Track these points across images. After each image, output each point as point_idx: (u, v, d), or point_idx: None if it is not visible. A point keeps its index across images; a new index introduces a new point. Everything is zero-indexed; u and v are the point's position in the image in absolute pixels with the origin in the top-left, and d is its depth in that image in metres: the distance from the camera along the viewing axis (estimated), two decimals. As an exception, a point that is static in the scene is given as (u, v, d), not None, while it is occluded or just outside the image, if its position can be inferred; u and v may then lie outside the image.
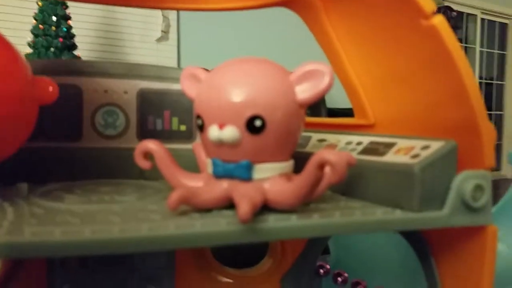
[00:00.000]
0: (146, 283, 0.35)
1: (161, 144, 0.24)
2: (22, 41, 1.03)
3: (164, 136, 0.32)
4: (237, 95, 0.21)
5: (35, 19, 1.02)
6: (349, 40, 0.31)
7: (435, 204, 0.23)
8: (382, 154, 0.26)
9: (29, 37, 1.02)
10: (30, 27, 1.02)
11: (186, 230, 0.19)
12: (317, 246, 0.35)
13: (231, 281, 0.37)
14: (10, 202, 0.22)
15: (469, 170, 0.24)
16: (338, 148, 0.30)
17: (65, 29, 1.04)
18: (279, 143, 0.22)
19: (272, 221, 0.20)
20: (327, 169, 0.19)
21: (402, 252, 0.35)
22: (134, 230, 0.18)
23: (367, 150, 0.28)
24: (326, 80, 0.22)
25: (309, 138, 0.32)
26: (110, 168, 0.30)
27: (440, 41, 0.23)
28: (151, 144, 0.24)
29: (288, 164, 0.23)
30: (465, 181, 0.23)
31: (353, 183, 0.27)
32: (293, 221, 0.21)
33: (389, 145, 0.27)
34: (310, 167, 0.20)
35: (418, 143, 0.25)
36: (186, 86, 0.25)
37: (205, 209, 0.22)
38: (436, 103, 0.26)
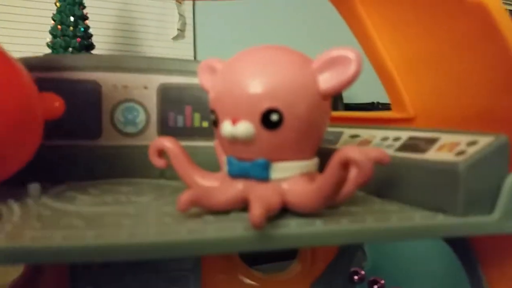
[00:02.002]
0: (171, 286, 0.33)
1: (176, 141, 0.23)
2: (41, 42, 1.06)
3: (185, 133, 0.30)
4: (251, 87, 0.19)
5: (53, 19, 1.04)
6: (385, 25, 0.28)
7: (484, 208, 0.20)
8: (423, 151, 0.23)
9: (48, 38, 1.04)
10: (48, 28, 1.04)
11: (198, 235, 0.17)
12: (351, 251, 0.32)
13: (258, 285, 0.35)
14: (20, 203, 0.21)
15: (524, 168, 0.21)
16: (372, 144, 0.27)
17: (82, 29, 1.05)
18: (300, 139, 0.20)
19: (294, 227, 0.18)
20: (352, 169, 0.17)
21: (446, 260, 0.32)
22: (141, 235, 0.17)
23: (406, 147, 0.25)
24: (352, 67, 0.19)
25: (340, 133, 0.30)
26: (130, 167, 0.29)
27: (489, 19, 0.20)
28: (165, 142, 0.23)
29: (311, 163, 0.21)
30: (519, 181, 0.20)
31: (390, 184, 0.24)
32: (318, 226, 0.18)
33: (431, 141, 0.24)
34: (332, 166, 0.17)
35: (464, 139, 0.22)
36: (204, 79, 0.23)
37: (221, 212, 0.20)
38: (484, 92, 0.23)
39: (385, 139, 0.27)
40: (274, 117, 0.19)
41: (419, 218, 0.20)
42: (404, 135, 0.26)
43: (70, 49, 1.01)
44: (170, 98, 0.30)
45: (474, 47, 0.23)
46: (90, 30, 1.07)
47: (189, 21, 1.49)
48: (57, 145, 0.28)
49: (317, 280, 0.35)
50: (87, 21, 1.06)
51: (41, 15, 1.13)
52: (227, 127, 0.20)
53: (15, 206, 0.21)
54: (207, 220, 0.19)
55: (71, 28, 1.01)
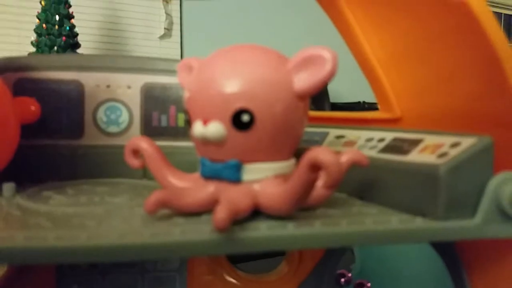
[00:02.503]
0: (157, 286, 0.33)
1: (151, 142, 0.22)
2: (26, 41, 1.05)
3: (169, 133, 0.30)
4: (222, 87, 0.19)
5: (38, 18, 1.03)
6: (370, 23, 0.28)
7: (465, 212, 0.20)
8: (405, 152, 0.23)
9: (33, 37, 1.03)
10: (33, 26, 1.03)
11: (160, 238, 0.17)
12: (337, 253, 0.32)
13: (245, 285, 0.34)
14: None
15: (508, 171, 0.20)
16: (356, 146, 0.26)
17: (68, 28, 1.04)
18: (273, 140, 0.19)
19: (264, 229, 0.18)
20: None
21: (434, 263, 0.31)
22: (101, 238, 0.17)
23: (389, 148, 0.24)
24: (327, 67, 0.19)
25: (326, 134, 0.29)
26: (112, 167, 0.29)
27: (471, 16, 0.19)
28: (140, 142, 0.22)
29: (286, 164, 0.20)
30: (503, 184, 0.20)
31: (371, 186, 0.23)
32: (289, 229, 0.18)
33: (415, 142, 0.23)
34: (300, 168, 0.17)
35: (447, 140, 0.21)
36: (181, 78, 0.23)
37: (193, 214, 0.19)
38: (468, 90, 0.22)
39: (369, 140, 0.26)
40: (245, 117, 0.18)
41: (396, 221, 0.19)
42: (389, 136, 0.25)
43: (56, 48, 1.00)
44: (154, 98, 0.30)
45: (458, 46, 0.22)
46: (76, 29, 1.07)
47: (176, 20, 1.49)
48: (39, 144, 0.28)
49: (304, 281, 0.34)
50: (72, 20, 1.05)
51: (25, 13, 1.13)
52: (198, 128, 0.19)
53: None
54: (175, 222, 0.18)
55: (56, 27, 1.00)
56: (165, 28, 1.42)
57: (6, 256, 0.16)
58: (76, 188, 0.25)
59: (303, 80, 0.19)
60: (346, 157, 0.21)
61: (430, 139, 0.23)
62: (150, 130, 0.30)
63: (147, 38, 1.41)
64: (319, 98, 1.18)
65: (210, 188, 0.19)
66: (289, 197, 0.18)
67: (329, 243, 0.19)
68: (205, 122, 0.19)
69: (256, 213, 0.19)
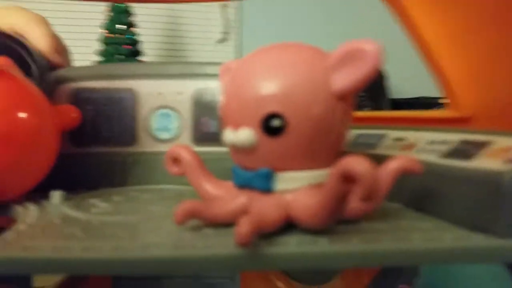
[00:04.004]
0: (211, 294, 0.33)
1: (190, 149, 0.22)
2: (91, 50, 1.11)
3: (219, 139, 0.29)
4: (251, 90, 0.18)
5: (103, 28, 1.08)
6: (433, 12, 0.24)
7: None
8: (469, 157, 0.20)
9: (98, 46, 1.08)
10: (98, 36, 1.08)
11: (183, 252, 0.16)
12: (397, 267, 0.29)
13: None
14: (39, 211, 0.22)
15: None
16: (415, 149, 0.23)
17: (131, 37, 1.08)
18: (308, 146, 0.18)
19: (294, 245, 0.16)
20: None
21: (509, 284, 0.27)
22: (126, 250, 0.16)
23: (452, 152, 0.21)
24: (370, 62, 0.17)
25: (382, 136, 0.27)
26: (163, 173, 0.29)
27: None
28: (178, 149, 0.22)
29: (324, 173, 0.18)
30: None
31: (429, 196, 0.21)
32: (320, 246, 0.16)
33: (482, 145, 0.20)
34: (332, 179, 0.15)
35: (521, 142, 0.18)
36: (222, 82, 0.22)
37: (225, 225, 0.18)
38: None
39: (431, 142, 0.23)
40: (276, 122, 0.17)
41: (450, 239, 0.16)
42: (453, 138, 0.22)
43: (119, 56, 1.05)
44: (204, 104, 0.29)
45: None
46: (138, 37, 1.11)
47: (234, 24, 1.49)
48: (93, 152, 0.29)
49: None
50: (135, 29, 1.10)
51: (90, 24, 1.19)
52: (227, 135, 0.18)
53: (32, 212, 0.21)
54: (203, 234, 0.18)
55: (120, 35, 1.05)
56: (222, 33, 1.44)
57: (30, 266, 0.16)
58: (123, 195, 0.26)
59: (343, 78, 0.17)
60: (394, 165, 0.18)
61: (500, 142, 0.19)
62: (201, 136, 0.29)
63: (205, 43, 1.44)
64: (376, 94, 1.11)
65: (241, 198, 0.18)
66: (320, 209, 0.16)
67: (366, 262, 0.16)
68: (235, 128, 0.18)
69: (291, 226, 0.18)
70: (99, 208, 0.23)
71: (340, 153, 0.19)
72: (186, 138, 0.30)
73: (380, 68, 0.17)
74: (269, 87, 0.17)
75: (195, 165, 0.21)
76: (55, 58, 0.30)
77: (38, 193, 0.24)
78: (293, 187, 0.18)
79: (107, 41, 1.08)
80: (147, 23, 1.30)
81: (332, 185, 0.15)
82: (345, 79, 0.17)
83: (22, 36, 0.29)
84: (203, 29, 1.44)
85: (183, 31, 1.42)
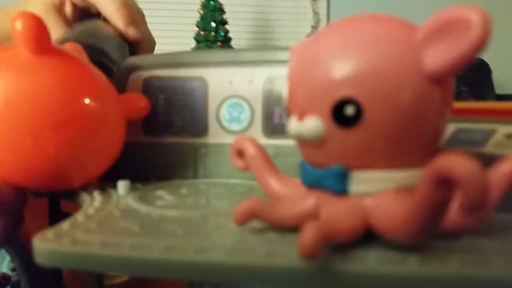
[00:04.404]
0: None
1: (255, 142, 0.20)
2: (187, 48, 1.14)
3: (292, 130, 0.27)
4: (320, 72, 0.15)
5: (197, 26, 1.11)
6: None
7: None
8: None
9: (193, 44, 1.11)
10: (193, 34, 1.11)
11: (239, 258, 0.14)
12: None
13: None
14: (102, 200, 0.21)
15: None
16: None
17: (222, 34, 1.09)
18: (392, 140, 0.14)
19: (373, 262, 0.13)
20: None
21: None
22: (177, 251, 0.14)
23: None
24: (474, 33, 0.13)
25: (492, 132, 0.22)
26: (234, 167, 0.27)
27: None
28: (243, 142, 0.20)
29: (415, 174, 0.15)
30: None
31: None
32: (409, 266, 0.13)
33: None
34: (424, 183, 0.12)
35: None
36: (290, 65, 0.19)
37: (292, 229, 0.16)
38: None
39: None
40: (349, 110, 0.14)
41: None
42: None
43: None
44: (276, 93, 0.27)
45: None
46: (230, 34, 1.13)
47: (323, 17, 1.44)
48: (165, 142, 0.28)
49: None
50: (226, 26, 1.12)
51: (186, 22, 1.23)
52: (292, 124, 0.16)
53: (95, 202, 0.21)
54: (266, 238, 0.15)
55: (213, 33, 1.07)
56: (312, 26, 1.40)
57: (75, 261, 0.15)
58: (192, 188, 0.24)
59: (438, 55, 0.14)
60: (507, 167, 0.14)
61: None
62: (272, 128, 0.27)
63: (294, 38, 1.42)
64: (479, 87, 0.98)
65: (309, 200, 0.16)
66: (410, 220, 0.13)
67: (472, 289, 0.13)
68: (301, 116, 0.15)
69: (371, 236, 0.15)
70: (164, 200, 0.22)
71: (434, 151, 0.15)
72: (256, 129, 0.27)
73: (487, 43, 0.13)
74: (341, 67, 0.14)
75: (260, 159, 0.19)
76: (130, 32, 0.30)
77: (110, 181, 0.24)
78: (373, 190, 0.15)
79: (199, 39, 1.11)
80: (237, 20, 1.32)
81: (425, 190, 0.12)
82: (441, 56, 0.14)
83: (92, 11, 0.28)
84: (292, 24, 1.43)
85: (272, 27, 1.42)
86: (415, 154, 0.15)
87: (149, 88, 0.28)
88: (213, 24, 1.12)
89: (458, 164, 0.11)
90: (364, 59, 0.14)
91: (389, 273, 0.13)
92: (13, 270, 0.28)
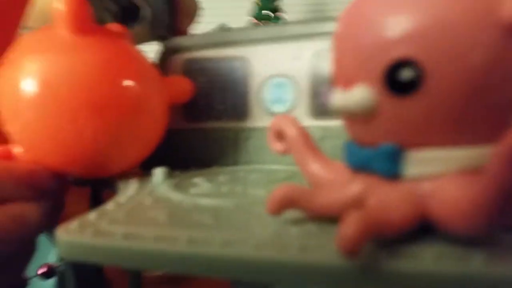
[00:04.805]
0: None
1: (295, 121, 0.17)
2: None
3: (342, 111, 0.24)
4: (370, 29, 0.12)
5: (251, 15, 1.09)
6: None
7: None
8: None
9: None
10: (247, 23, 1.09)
11: (267, 254, 0.12)
12: None
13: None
14: (137, 188, 0.20)
15: None
16: None
17: (277, 21, 1.07)
18: (460, 112, 0.11)
19: (431, 261, 0.11)
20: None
21: None
22: (203, 244, 0.13)
23: None
24: None
25: None
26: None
27: None
28: (282, 122, 0.18)
29: (482, 152, 0.12)
30: None
31: None
32: (474, 265, 0.10)
33: None
34: (494, 162, 0.09)
35: None
36: (336, 30, 0.17)
37: (332, 219, 0.14)
38: None
39: None
40: (406, 73, 0.11)
41: None
42: None
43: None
44: (324, 69, 0.24)
45: None
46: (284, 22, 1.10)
47: None
48: (206, 127, 0.27)
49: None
50: (281, 14, 1.10)
51: (241, 13, 1.21)
52: (337, 96, 0.13)
53: (129, 190, 0.20)
54: (306, 230, 0.13)
55: (267, 21, 1.05)
56: None
57: (98, 254, 0.14)
58: (230, 175, 0.23)
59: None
60: None
61: None
62: (320, 108, 0.25)
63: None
64: None
65: (355, 186, 0.13)
66: (476, 207, 0.10)
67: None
68: (347, 85, 0.13)
69: (427, 230, 0.12)
70: (200, 188, 0.20)
71: (508, 124, 0.12)
72: (302, 110, 0.25)
73: None
74: (396, 21, 0.12)
75: (301, 141, 0.17)
76: None
77: (150, 169, 0.23)
78: (432, 172, 0.12)
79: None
80: (292, 6, 1.29)
81: (497, 171, 0.09)
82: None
83: None
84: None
85: (329, 12, 1.37)
86: (484, 129, 0.12)
87: (190, 70, 0.27)
88: (267, 13, 1.11)
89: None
90: (423, 10, 0.11)
91: (448, 273, 0.10)
92: (61, 259, 0.28)
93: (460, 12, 0.11)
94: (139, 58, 0.22)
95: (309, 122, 0.24)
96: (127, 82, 0.20)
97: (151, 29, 0.28)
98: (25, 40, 0.21)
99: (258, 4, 1.11)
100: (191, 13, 0.32)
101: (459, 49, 0.11)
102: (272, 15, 1.10)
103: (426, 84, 0.11)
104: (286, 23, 0.27)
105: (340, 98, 0.13)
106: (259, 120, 0.26)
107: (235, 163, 0.26)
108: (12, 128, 0.20)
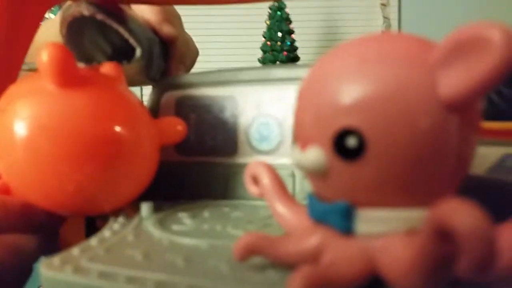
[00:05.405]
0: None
1: (268, 166, 0.19)
2: (253, 58, 1.14)
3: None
4: (321, 97, 0.13)
5: (264, 37, 1.11)
6: None
7: None
8: None
9: (259, 54, 1.11)
10: (259, 45, 1.11)
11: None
12: None
13: None
14: (122, 223, 0.21)
15: None
16: None
17: (288, 43, 1.08)
18: (403, 175, 0.13)
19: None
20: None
21: None
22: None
23: None
24: (493, 54, 0.11)
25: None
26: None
27: None
28: (256, 167, 0.19)
29: (425, 214, 0.13)
30: None
31: None
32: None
33: None
34: (424, 231, 0.10)
35: None
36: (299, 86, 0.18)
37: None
38: None
39: None
40: (351, 141, 0.13)
41: None
42: None
43: (278, 62, 1.07)
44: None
45: None
46: (296, 43, 1.12)
47: (395, 23, 1.38)
48: (197, 161, 0.28)
49: None
50: (293, 35, 1.11)
51: (253, 34, 1.24)
52: (294, 154, 0.14)
53: (116, 224, 0.21)
54: (265, 277, 0.14)
55: (279, 43, 1.07)
56: (382, 32, 1.36)
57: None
58: (215, 210, 0.24)
59: (455, 79, 0.12)
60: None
61: None
62: (303, 147, 0.26)
63: None
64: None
65: (314, 238, 0.14)
66: (414, 267, 0.11)
67: None
68: (304, 146, 0.14)
69: (378, 284, 0.13)
70: (181, 225, 0.21)
71: (457, 185, 0.13)
72: (286, 149, 0.26)
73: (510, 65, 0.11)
74: (343, 92, 0.13)
75: (272, 188, 0.18)
76: (164, 29, 0.28)
77: (140, 200, 0.24)
78: (382, 231, 0.13)
79: (266, 49, 1.12)
80: (305, 29, 1.31)
81: (425, 241, 0.10)
82: (459, 80, 0.12)
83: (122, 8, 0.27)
84: (361, 31, 1.39)
85: (340, 34, 1.40)
86: (432, 190, 0.13)
87: (182, 107, 0.28)
88: (279, 34, 1.12)
89: (458, 215, 0.09)
90: (367, 83, 0.13)
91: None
92: None
93: (400, 85, 0.12)
94: (130, 101, 0.23)
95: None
96: (117, 127, 0.21)
97: (144, 71, 0.29)
98: (16, 86, 0.22)
99: (267, 24, 1.13)
100: (187, 60, 0.33)
101: (398, 120, 0.12)
102: (280, 35, 1.12)
103: (369, 151, 0.12)
104: (271, 66, 0.28)
105: (297, 156, 0.14)
106: (246, 157, 0.27)
107: (223, 196, 0.27)
108: (1, 167, 0.21)
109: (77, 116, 0.20)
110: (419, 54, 0.13)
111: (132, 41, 0.27)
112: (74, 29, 0.26)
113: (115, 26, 0.26)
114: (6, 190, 0.22)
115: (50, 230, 0.23)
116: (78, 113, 0.20)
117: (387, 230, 0.13)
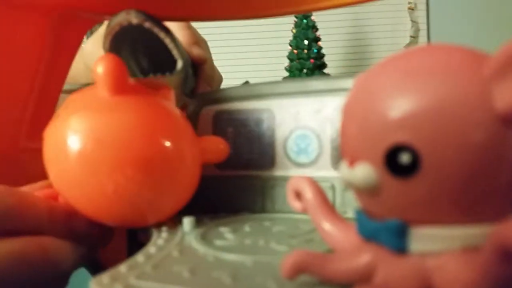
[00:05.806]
0: None
1: (312, 182, 0.18)
2: (280, 67, 1.13)
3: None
4: (372, 113, 0.13)
5: (290, 45, 1.11)
6: None
7: None
8: None
9: (286, 63, 1.11)
10: (286, 53, 1.11)
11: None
12: None
13: None
14: (167, 238, 0.21)
15: None
16: None
17: (315, 51, 1.08)
18: (458, 193, 0.12)
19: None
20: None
21: None
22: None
23: None
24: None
25: None
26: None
27: None
28: (299, 182, 0.19)
29: (483, 231, 0.12)
30: None
31: None
32: None
33: None
34: (488, 251, 0.10)
35: None
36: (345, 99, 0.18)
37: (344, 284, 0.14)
38: None
39: None
40: (404, 158, 0.12)
41: None
42: None
43: (305, 70, 1.06)
44: (346, 122, 0.25)
45: None
46: (323, 51, 1.11)
47: (423, 26, 1.35)
48: (235, 175, 0.28)
49: None
50: (319, 43, 1.11)
51: (279, 42, 1.24)
52: (343, 170, 0.14)
53: (160, 239, 0.21)
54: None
55: (305, 50, 1.07)
56: (411, 36, 1.33)
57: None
58: (256, 224, 0.24)
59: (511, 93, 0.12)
60: None
61: None
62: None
63: (392, 50, 1.35)
64: None
65: (366, 256, 0.14)
66: (476, 285, 0.11)
67: None
68: (352, 162, 0.14)
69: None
70: (224, 240, 0.21)
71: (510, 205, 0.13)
72: (325, 162, 0.26)
73: None
74: (395, 106, 0.13)
75: (316, 203, 0.18)
76: (194, 51, 0.29)
77: (181, 214, 0.24)
78: (437, 249, 0.13)
79: (293, 57, 1.13)
80: (331, 36, 1.31)
81: (487, 261, 0.10)
82: (517, 93, 0.11)
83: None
84: (389, 35, 1.38)
85: (368, 39, 1.39)
86: (488, 207, 0.12)
87: (220, 121, 0.28)
88: (306, 42, 1.13)
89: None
90: (419, 97, 0.12)
91: None
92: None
93: (454, 100, 0.12)
94: (178, 118, 0.23)
95: (332, 173, 0.25)
96: (166, 142, 0.22)
97: (183, 84, 0.29)
98: (72, 98, 0.23)
99: (293, 32, 1.13)
100: (214, 84, 0.34)
101: (453, 135, 0.12)
102: (306, 43, 1.12)
103: (423, 167, 0.12)
104: (309, 78, 0.28)
105: (346, 172, 0.14)
106: (284, 170, 0.27)
107: (261, 209, 0.27)
108: (52, 176, 0.22)
109: (129, 129, 0.21)
110: (472, 66, 0.13)
111: (175, 52, 0.27)
112: (118, 40, 0.27)
113: (162, 35, 0.26)
114: (55, 198, 0.23)
115: (92, 241, 0.24)
116: (131, 127, 0.21)
117: (442, 249, 0.13)
